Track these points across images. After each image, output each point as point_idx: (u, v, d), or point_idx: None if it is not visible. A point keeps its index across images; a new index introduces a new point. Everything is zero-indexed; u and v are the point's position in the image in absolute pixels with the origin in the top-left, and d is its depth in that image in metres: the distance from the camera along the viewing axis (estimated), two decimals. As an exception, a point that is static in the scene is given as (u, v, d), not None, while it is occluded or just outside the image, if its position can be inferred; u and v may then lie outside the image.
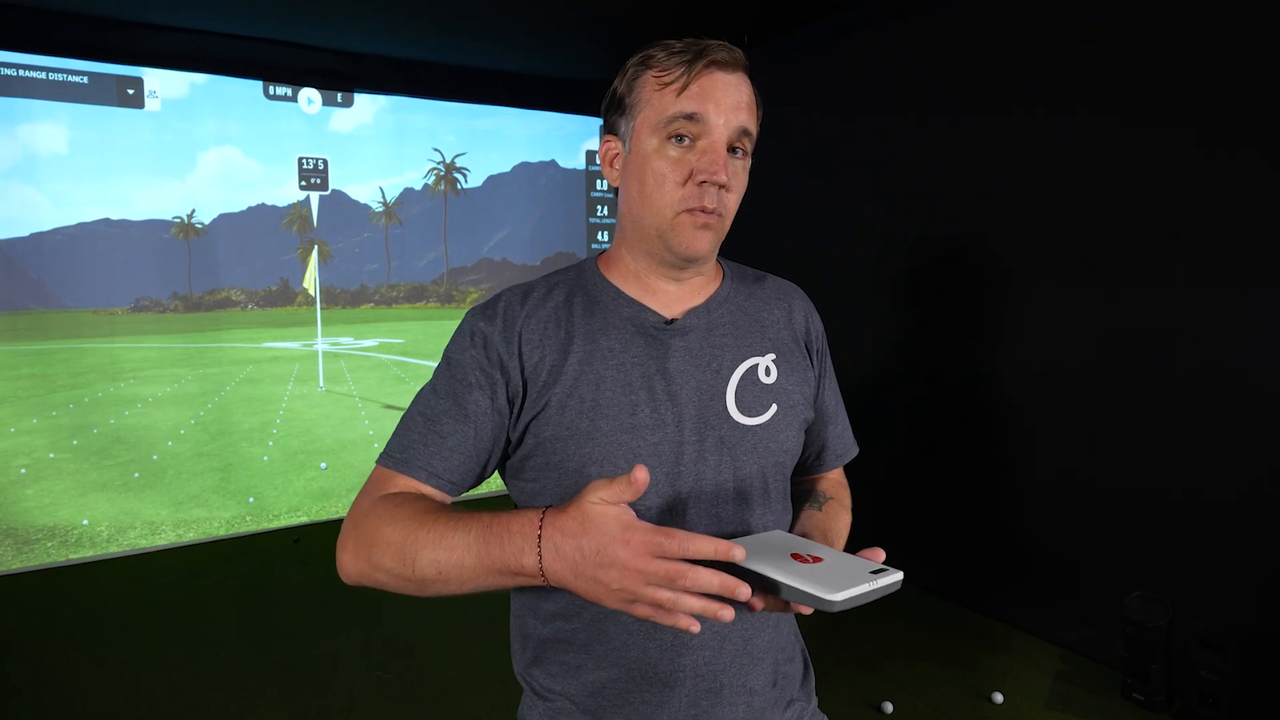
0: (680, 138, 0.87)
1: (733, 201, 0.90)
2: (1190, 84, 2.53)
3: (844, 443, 1.10)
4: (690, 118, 0.85)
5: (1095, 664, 2.85)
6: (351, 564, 0.82)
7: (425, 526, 0.78)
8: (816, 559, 0.75)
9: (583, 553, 0.69)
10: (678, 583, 0.66)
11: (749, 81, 0.90)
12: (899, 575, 0.73)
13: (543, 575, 0.72)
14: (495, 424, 0.90)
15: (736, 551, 0.66)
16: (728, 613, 0.67)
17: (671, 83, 0.87)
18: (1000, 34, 3.08)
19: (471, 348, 0.90)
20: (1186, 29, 2.52)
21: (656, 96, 0.88)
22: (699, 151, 0.87)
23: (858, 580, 0.71)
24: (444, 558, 0.76)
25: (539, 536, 0.71)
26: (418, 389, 0.94)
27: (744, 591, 0.66)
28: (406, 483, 0.87)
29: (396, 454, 0.89)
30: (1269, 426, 2.40)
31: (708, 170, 0.85)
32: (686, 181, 0.87)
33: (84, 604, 3.52)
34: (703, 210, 0.87)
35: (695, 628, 0.69)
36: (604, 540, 0.68)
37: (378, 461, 0.91)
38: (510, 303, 0.93)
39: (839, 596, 0.68)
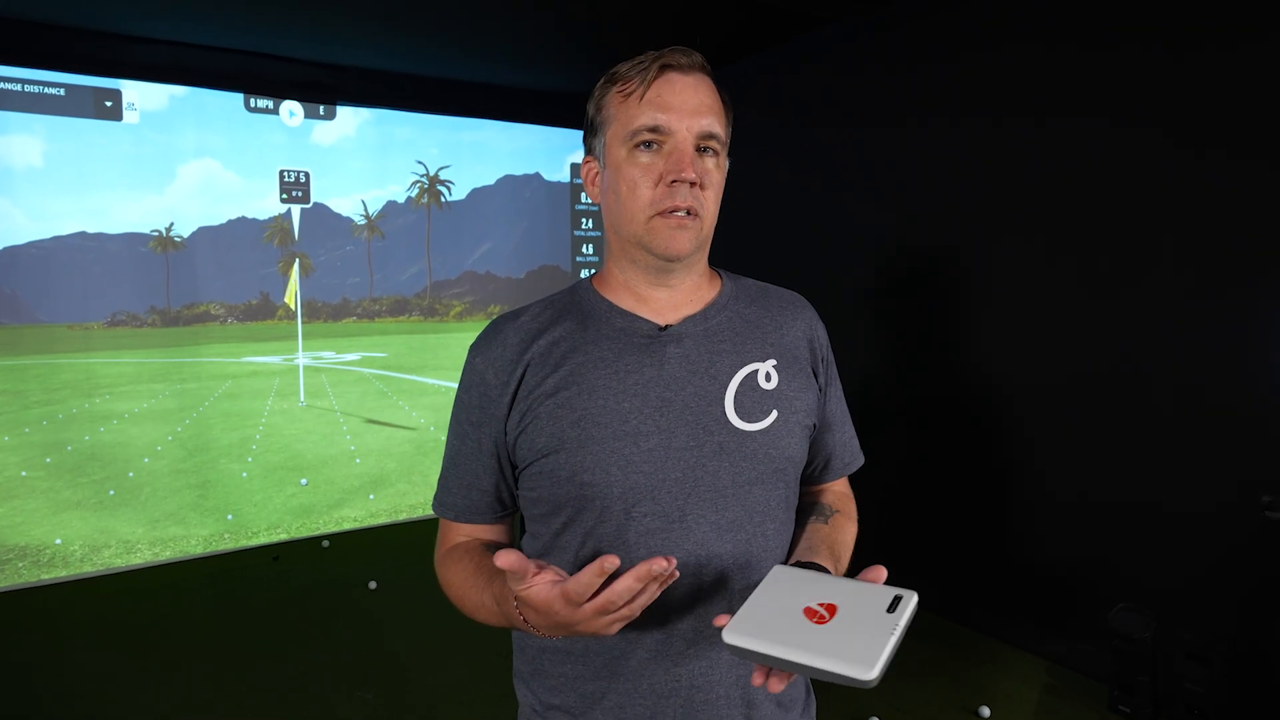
0: (648, 144, 0.89)
1: (710, 199, 0.91)
2: (1190, 93, 2.56)
3: (850, 452, 1.10)
4: (654, 126, 0.88)
5: (1082, 677, 2.85)
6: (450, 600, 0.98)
7: (465, 591, 0.92)
8: (830, 608, 0.72)
9: (549, 625, 0.76)
10: (610, 610, 0.71)
11: (710, 82, 0.92)
12: (914, 598, 0.71)
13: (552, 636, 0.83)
14: (504, 454, 0.95)
15: (608, 562, 0.68)
16: (669, 563, 0.70)
17: (632, 93, 0.89)
18: (992, 41, 3.10)
19: (472, 386, 0.96)
20: (1180, 32, 2.55)
21: (621, 109, 0.90)
22: (665, 154, 0.89)
23: (881, 632, 0.67)
24: (487, 618, 0.90)
25: (523, 620, 0.80)
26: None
27: (659, 565, 0.68)
28: (454, 527, 1.00)
29: (436, 498, 1.01)
30: (1250, 438, 2.42)
31: (675, 170, 0.87)
32: (658, 184, 0.89)
33: (56, 625, 3.44)
34: (675, 210, 0.88)
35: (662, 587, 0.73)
36: (549, 616, 0.74)
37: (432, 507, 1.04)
38: (504, 329, 0.96)
39: (874, 673, 0.65)
